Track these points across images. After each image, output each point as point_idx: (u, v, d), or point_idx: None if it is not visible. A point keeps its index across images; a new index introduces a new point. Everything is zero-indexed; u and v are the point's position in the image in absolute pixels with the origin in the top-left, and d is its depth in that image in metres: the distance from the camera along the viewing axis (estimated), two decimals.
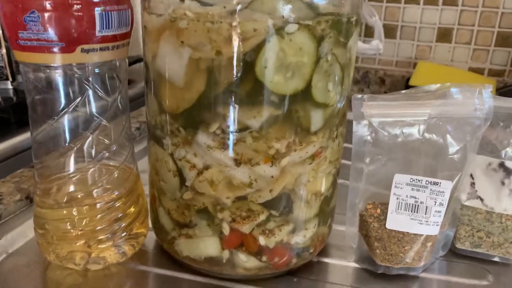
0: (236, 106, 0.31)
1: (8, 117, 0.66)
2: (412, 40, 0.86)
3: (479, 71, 0.84)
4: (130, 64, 0.38)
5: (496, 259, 0.41)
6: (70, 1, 0.30)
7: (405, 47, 0.87)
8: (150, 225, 0.41)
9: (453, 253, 0.41)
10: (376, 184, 0.38)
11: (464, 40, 0.83)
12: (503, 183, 0.38)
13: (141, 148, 0.59)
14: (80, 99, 0.35)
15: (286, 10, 0.30)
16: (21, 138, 0.60)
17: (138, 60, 0.63)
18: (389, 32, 0.86)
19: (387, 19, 0.86)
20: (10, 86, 0.71)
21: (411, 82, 0.79)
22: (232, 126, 0.32)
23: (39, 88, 0.34)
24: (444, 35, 0.84)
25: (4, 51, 0.70)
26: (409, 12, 0.84)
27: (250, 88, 0.31)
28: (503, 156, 0.38)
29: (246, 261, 0.35)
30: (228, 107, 0.31)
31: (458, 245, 0.41)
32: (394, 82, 0.88)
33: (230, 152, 0.32)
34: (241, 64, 0.30)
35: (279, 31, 0.29)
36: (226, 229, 0.35)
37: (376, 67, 0.90)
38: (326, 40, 0.31)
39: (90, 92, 0.35)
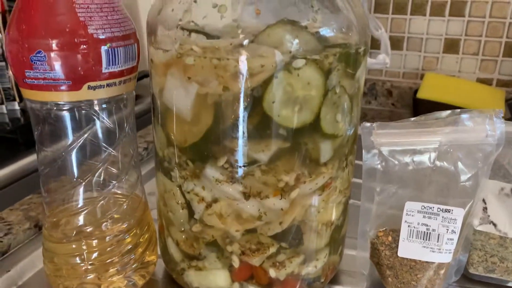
0: (244, 140, 0.31)
1: (16, 137, 0.66)
2: (419, 52, 0.85)
3: (487, 81, 0.84)
4: (138, 79, 0.37)
5: (510, 284, 0.40)
6: (76, 40, 0.29)
7: (412, 58, 0.86)
8: (159, 251, 0.41)
9: (466, 278, 0.41)
10: (387, 211, 0.37)
11: (472, 50, 0.83)
12: None
13: (149, 169, 0.59)
14: (88, 133, 0.34)
15: (292, 43, 0.29)
16: (30, 160, 0.60)
17: (145, 75, 0.63)
18: (396, 43, 0.86)
19: (393, 30, 0.85)
20: (17, 107, 0.72)
21: (419, 94, 0.78)
22: (241, 160, 0.32)
23: (47, 123, 0.34)
24: (451, 46, 0.83)
25: (11, 73, 0.70)
26: (415, 23, 0.84)
27: (258, 122, 0.31)
28: None
29: None
30: (236, 141, 0.31)
31: (471, 270, 0.40)
32: (402, 93, 0.87)
33: (239, 186, 0.32)
34: (249, 99, 0.30)
35: (287, 66, 0.29)
36: (235, 262, 0.34)
37: (383, 78, 0.89)
38: (334, 73, 0.31)
39: (98, 124, 0.35)
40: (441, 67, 0.85)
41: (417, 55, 0.86)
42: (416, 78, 0.87)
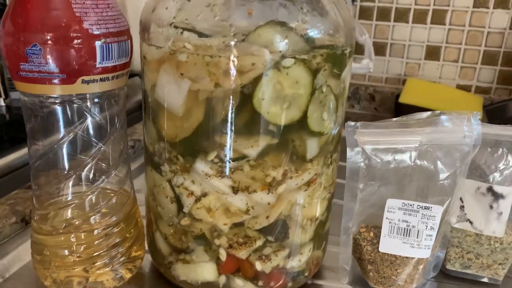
0: (234, 135, 0.32)
1: (1, 134, 0.66)
2: (401, 58, 0.88)
3: (466, 88, 0.86)
4: None
5: (485, 280, 0.42)
6: (71, 35, 0.30)
7: (395, 64, 0.89)
8: (147, 247, 0.41)
9: (444, 274, 0.42)
10: (369, 208, 0.39)
11: (452, 58, 0.85)
12: (491, 207, 0.40)
13: (136, 167, 0.60)
14: (80, 127, 0.35)
15: (282, 43, 0.31)
16: (15, 156, 0.60)
17: (132, 75, 0.63)
18: (379, 49, 0.88)
19: (377, 37, 0.88)
20: (3, 104, 0.71)
21: (400, 99, 0.80)
22: (230, 155, 0.33)
23: (39, 116, 0.34)
24: (432, 53, 0.86)
25: None
26: (398, 30, 0.86)
27: (248, 119, 0.32)
28: (491, 181, 0.39)
29: (242, 286, 0.36)
30: (225, 137, 0.32)
31: (449, 266, 0.42)
32: (384, 98, 0.89)
33: (228, 180, 0.33)
34: (239, 96, 0.31)
35: (276, 65, 0.30)
36: (223, 255, 0.35)
37: (366, 83, 0.91)
38: (321, 73, 0.32)
39: (90, 119, 0.35)
40: (423, 73, 0.88)
41: (399, 61, 0.88)
42: (398, 84, 0.89)
